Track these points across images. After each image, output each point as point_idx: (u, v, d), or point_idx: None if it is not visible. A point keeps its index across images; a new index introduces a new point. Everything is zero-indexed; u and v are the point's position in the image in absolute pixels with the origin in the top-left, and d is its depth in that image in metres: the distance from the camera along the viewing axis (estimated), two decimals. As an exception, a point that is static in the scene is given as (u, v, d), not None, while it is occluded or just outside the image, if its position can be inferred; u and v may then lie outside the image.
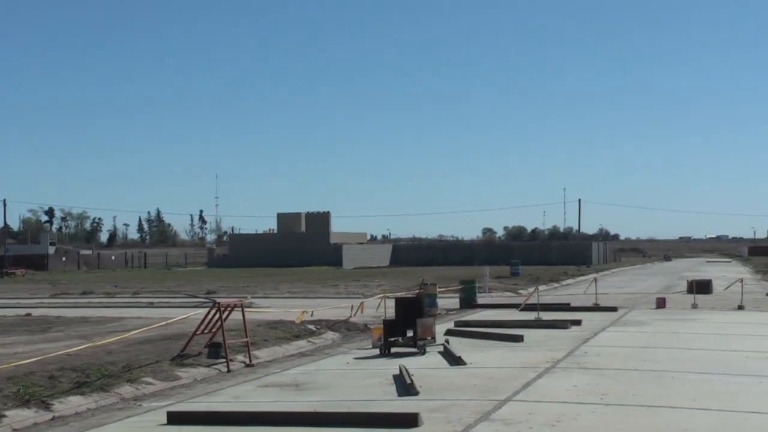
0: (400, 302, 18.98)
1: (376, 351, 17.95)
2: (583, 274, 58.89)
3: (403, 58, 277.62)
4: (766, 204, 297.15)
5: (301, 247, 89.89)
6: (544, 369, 15.06)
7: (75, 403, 12.51)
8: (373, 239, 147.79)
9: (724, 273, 58.32)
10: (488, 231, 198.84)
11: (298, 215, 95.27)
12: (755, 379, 13.70)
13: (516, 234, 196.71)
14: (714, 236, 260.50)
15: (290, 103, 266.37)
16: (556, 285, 47.87)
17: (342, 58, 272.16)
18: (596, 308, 28.60)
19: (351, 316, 23.89)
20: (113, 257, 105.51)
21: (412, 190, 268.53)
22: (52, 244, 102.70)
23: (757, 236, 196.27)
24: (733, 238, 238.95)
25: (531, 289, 31.49)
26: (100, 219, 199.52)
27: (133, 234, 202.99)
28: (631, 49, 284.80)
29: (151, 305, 33.17)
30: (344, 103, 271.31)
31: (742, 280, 32.90)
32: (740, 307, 28.34)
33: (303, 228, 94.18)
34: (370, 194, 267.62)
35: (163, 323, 18.00)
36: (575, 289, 41.56)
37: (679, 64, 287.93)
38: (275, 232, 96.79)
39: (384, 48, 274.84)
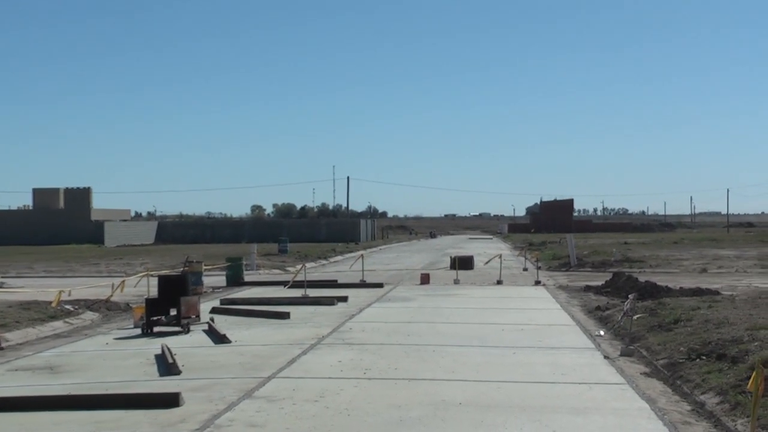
0: (163, 280, 18.51)
1: (138, 331, 17.44)
2: (351, 251, 59.75)
3: (174, 33, 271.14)
4: (524, 183, 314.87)
5: (60, 224, 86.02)
6: (310, 345, 15.10)
7: None
8: (138, 216, 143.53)
9: (485, 249, 61.02)
10: (257, 208, 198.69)
11: (56, 191, 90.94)
12: (509, 350, 14.33)
13: (285, 211, 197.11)
14: (477, 214, 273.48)
15: (45, 73, 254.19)
16: (324, 262, 48.33)
17: (104, 30, 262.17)
18: (363, 285, 29.10)
19: (111, 295, 23.00)
20: None
21: (178, 165, 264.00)
22: None
23: (517, 214, 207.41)
24: (495, 215, 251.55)
25: (299, 267, 31.56)
26: None
27: None
28: (397, 23, 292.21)
29: None
30: (106, 74, 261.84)
31: (501, 256, 34.52)
32: (499, 282, 29.66)
33: (62, 204, 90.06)
34: (134, 170, 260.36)
35: None
36: (343, 266, 42.11)
37: (442, 37, 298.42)
38: (30, 208, 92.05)
39: (151, 24, 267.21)
